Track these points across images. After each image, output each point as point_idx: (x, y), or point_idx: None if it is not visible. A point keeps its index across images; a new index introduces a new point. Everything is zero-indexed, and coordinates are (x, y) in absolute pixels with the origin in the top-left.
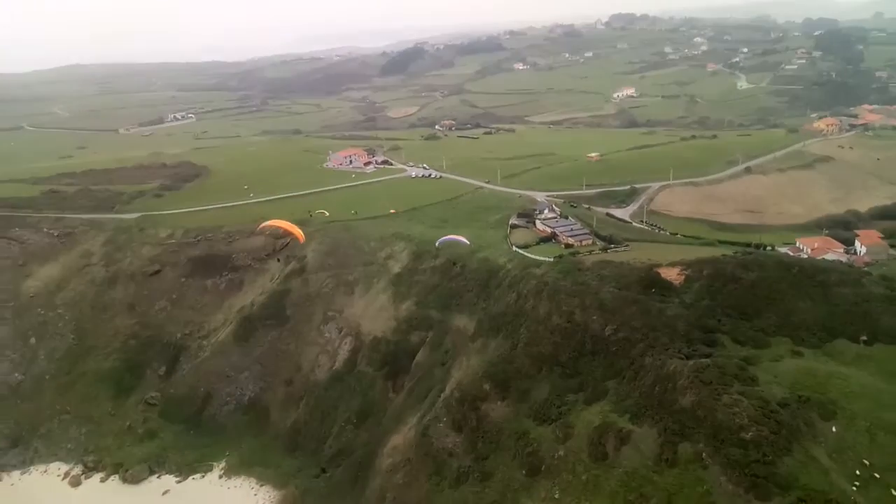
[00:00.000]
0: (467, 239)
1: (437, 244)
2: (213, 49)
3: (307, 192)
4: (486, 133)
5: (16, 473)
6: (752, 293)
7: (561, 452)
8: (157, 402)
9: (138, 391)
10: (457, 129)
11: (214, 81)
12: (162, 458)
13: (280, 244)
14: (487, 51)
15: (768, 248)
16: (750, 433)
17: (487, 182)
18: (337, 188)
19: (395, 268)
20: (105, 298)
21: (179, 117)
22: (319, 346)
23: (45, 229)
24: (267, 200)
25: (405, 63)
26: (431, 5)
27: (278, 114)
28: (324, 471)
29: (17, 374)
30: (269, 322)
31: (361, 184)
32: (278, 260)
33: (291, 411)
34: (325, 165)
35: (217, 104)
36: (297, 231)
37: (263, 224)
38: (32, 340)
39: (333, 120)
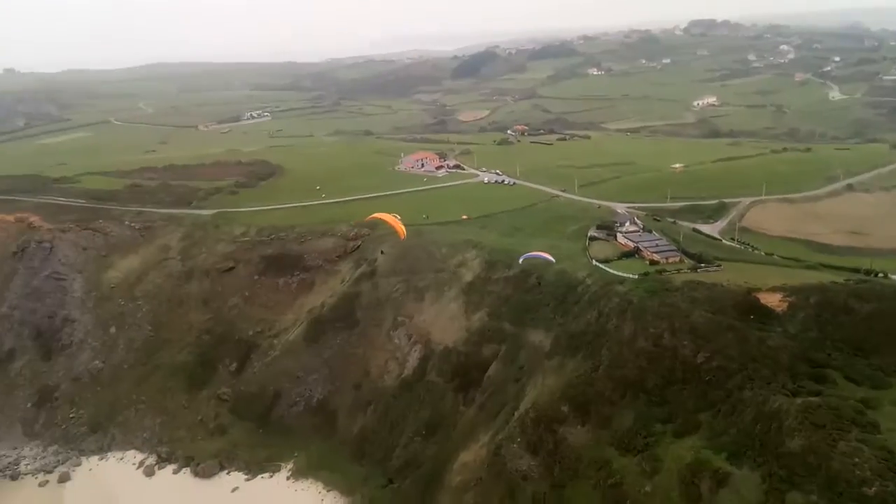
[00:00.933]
0: (547, 253)
1: (520, 260)
2: (288, 51)
3: (378, 194)
4: (560, 139)
5: (94, 458)
6: (868, 326)
7: (648, 488)
8: (228, 399)
9: (210, 386)
10: (530, 134)
11: (289, 81)
12: (232, 455)
13: (351, 246)
14: (560, 55)
15: (880, 274)
16: (874, 488)
17: (563, 191)
18: (408, 191)
19: (467, 276)
20: (181, 292)
21: (255, 115)
22: (388, 352)
23: (126, 222)
24: (338, 202)
25: (476, 66)
26: (503, 10)
27: (350, 115)
28: (391, 481)
29: (97, 362)
30: (338, 324)
31: (433, 188)
32: (381, 252)
33: (359, 417)
34: (396, 168)
35: (291, 104)
36: (400, 227)
37: (370, 216)
38: (112, 330)
39: (404, 122)
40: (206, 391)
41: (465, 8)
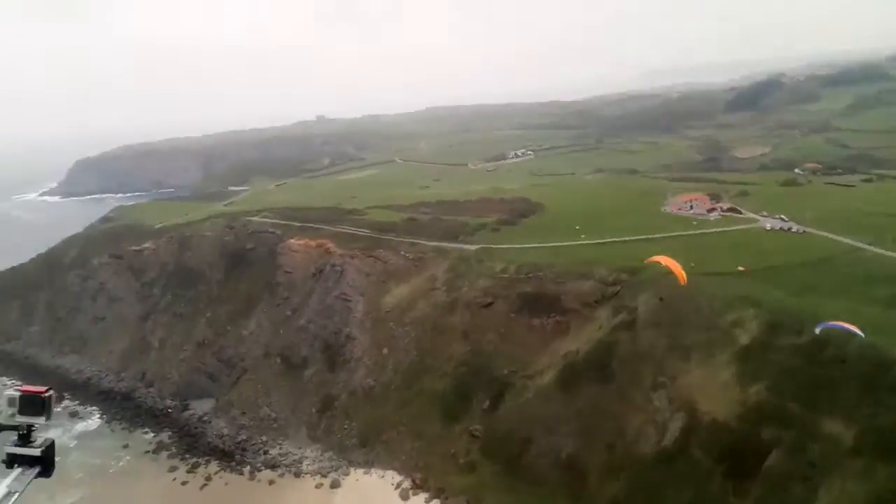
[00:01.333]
0: (852, 324)
1: (816, 330)
2: (554, 90)
3: (640, 237)
4: (865, 180)
5: (360, 471)
6: None
7: None
8: (480, 436)
9: (464, 420)
10: (823, 173)
11: (552, 120)
12: (479, 496)
13: (610, 292)
14: (862, 81)
15: None
16: None
17: (870, 244)
18: (673, 236)
19: (743, 339)
20: (444, 322)
21: (519, 154)
22: (647, 414)
23: (402, 252)
24: (598, 243)
25: (756, 98)
26: (791, 30)
27: (613, 152)
28: None
29: (369, 380)
30: (592, 375)
31: (702, 233)
32: (661, 299)
33: (612, 482)
34: (662, 209)
35: (553, 142)
36: (681, 272)
37: (650, 259)
38: (385, 351)
39: (671, 160)
40: (459, 425)
41: (744, 33)
